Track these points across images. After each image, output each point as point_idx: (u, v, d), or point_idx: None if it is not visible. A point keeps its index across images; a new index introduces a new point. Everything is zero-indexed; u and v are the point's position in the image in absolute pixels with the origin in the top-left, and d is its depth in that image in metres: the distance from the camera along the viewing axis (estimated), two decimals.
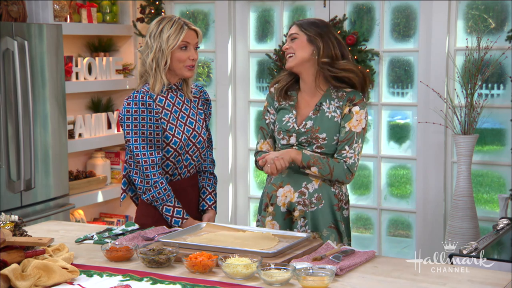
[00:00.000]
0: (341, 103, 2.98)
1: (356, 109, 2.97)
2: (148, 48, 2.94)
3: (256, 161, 3.08)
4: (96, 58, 5.09)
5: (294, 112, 3.03)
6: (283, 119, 3.04)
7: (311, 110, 3.01)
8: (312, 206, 2.96)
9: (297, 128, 2.99)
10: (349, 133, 2.95)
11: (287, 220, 3.01)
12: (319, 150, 2.97)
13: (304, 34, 2.96)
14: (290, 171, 3.00)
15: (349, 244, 3.04)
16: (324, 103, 3.00)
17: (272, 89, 3.13)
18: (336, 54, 2.96)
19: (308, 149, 2.98)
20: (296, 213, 2.98)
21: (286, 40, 3.08)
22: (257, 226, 3.11)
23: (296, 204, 2.97)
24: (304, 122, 2.99)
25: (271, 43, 5.08)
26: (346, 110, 2.98)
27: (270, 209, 3.04)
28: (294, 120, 3.01)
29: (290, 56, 2.99)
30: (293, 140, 3.00)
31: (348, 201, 3.08)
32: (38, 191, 4.32)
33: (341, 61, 2.97)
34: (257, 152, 3.14)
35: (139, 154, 2.89)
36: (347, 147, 2.95)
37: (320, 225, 2.97)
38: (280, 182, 3.02)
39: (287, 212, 3.00)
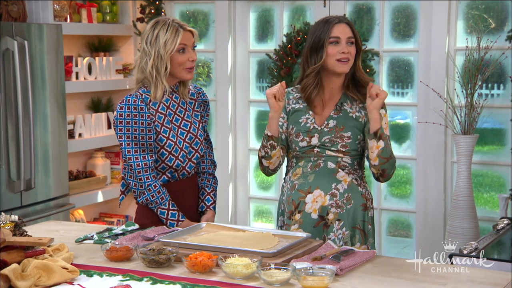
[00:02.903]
0: (365, 104, 2.91)
1: (383, 111, 2.92)
2: (146, 55, 2.91)
3: (259, 159, 2.99)
4: (96, 58, 5.09)
5: (310, 112, 2.96)
6: (300, 120, 2.96)
7: (331, 110, 2.94)
8: (344, 207, 2.88)
9: (319, 128, 2.92)
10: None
11: (319, 228, 2.89)
12: (343, 149, 2.91)
13: (356, 44, 2.93)
14: (317, 175, 2.91)
15: (373, 244, 3.00)
16: (345, 103, 2.96)
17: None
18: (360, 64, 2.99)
19: (333, 148, 2.91)
20: (331, 216, 2.87)
21: (328, 36, 2.89)
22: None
23: (330, 207, 2.87)
24: (326, 122, 2.92)
25: (271, 43, 5.08)
26: None
27: (297, 216, 2.91)
28: (313, 120, 2.94)
29: (348, 60, 2.90)
30: (315, 140, 2.92)
31: (372, 201, 3.02)
32: (38, 191, 4.32)
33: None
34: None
35: (132, 158, 2.89)
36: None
37: (350, 226, 2.91)
38: (307, 187, 2.90)
39: (318, 218, 2.89)
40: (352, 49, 2.91)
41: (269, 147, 2.93)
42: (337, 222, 2.87)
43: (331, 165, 2.91)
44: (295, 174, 2.96)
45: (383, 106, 2.92)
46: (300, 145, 2.94)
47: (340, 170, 2.91)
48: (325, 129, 2.92)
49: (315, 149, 2.93)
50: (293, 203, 2.93)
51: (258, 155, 3.02)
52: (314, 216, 2.89)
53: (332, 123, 2.92)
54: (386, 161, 2.87)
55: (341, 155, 2.92)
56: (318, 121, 2.94)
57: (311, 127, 2.93)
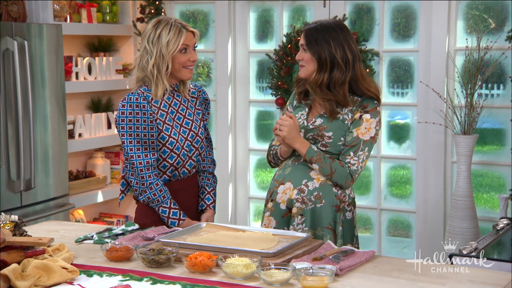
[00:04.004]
0: (353, 107, 2.96)
1: (366, 116, 2.94)
2: (147, 53, 2.91)
3: (268, 158, 3.17)
4: (96, 58, 5.09)
5: (306, 109, 3.03)
6: (296, 115, 3.04)
7: (323, 109, 2.99)
8: (310, 204, 2.95)
9: (306, 125, 2.99)
10: (356, 139, 2.94)
11: (286, 219, 2.99)
12: (323, 149, 2.96)
13: (308, 50, 2.94)
14: (293, 168, 2.99)
15: (342, 245, 3.01)
16: (338, 106, 2.98)
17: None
18: (334, 76, 2.91)
19: (314, 146, 2.97)
20: (294, 210, 2.95)
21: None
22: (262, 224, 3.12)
23: (295, 201, 2.95)
24: (313, 119, 2.98)
25: (271, 43, 5.08)
26: (357, 115, 2.95)
27: (270, 205, 3.03)
28: (305, 117, 3.01)
29: (302, 66, 2.98)
30: (301, 136, 3.00)
31: (352, 203, 3.04)
32: (38, 191, 4.32)
33: (336, 86, 2.92)
34: (270, 146, 3.17)
35: (134, 156, 2.89)
36: (351, 153, 2.94)
37: (317, 224, 2.96)
38: (282, 179, 3.01)
39: (286, 209, 2.99)
40: (305, 55, 2.96)
41: (279, 162, 3.13)
42: (299, 217, 2.95)
43: None
44: (280, 166, 3.10)
45: (368, 111, 2.96)
46: None
47: None
48: (310, 126, 2.98)
49: None
50: (269, 192, 3.07)
51: (268, 157, 3.18)
52: (283, 207, 2.99)
53: (318, 121, 2.98)
54: (330, 177, 2.95)
55: None
56: (308, 118, 3.02)
57: (301, 122, 3.01)
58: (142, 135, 2.88)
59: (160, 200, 2.91)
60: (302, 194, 2.95)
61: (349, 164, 2.94)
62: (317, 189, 2.95)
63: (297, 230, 2.92)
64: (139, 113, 2.88)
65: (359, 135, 2.94)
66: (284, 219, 2.99)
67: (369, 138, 2.96)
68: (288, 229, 2.95)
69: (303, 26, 3.04)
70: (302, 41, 2.98)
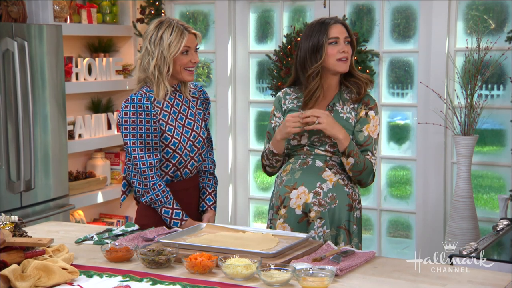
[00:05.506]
0: (355, 105, 2.99)
1: (372, 113, 2.98)
2: (148, 54, 2.91)
3: (262, 163, 3.11)
4: (96, 59, 5.09)
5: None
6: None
7: (323, 109, 2.97)
8: (326, 206, 2.93)
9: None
10: (368, 138, 2.96)
11: (302, 224, 2.94)
12: (331, 149, 2.95)
13: (351, 43, 2.99)
14: (304, 172, 2.96)
15: (358, 244, 3.02)
16: (337, 104, 3.00)
17: (280, 94, 3.10)
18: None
19: (321, 148, 2.96)
20: (312, 214, 2.92)
21: (327, 37, 2.94)
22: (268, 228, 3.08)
23: (312, 205, 2.92)
24: (316, 122, 2.94)
25: (271, 43, 5.08)
26: (362, 113, 2.97)
27: (282, 211, 2.98)
28: None
29: (346, 60, 2.97)
30: (304, 140, 2.98)
31: (360, 201, 3.06)
32: (38, 192, 4.32)
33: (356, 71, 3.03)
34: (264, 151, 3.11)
35: (137, 157, 2.89)
36: (369, 153, 2.96)
37: (332, 225, 2.94)
38: (293, 183, 2.97)
39: (302, 214, 2.95)
40: (349, 49, 2.99)
41: (275, 161, 3.06)
42: (318, 220, 2.93)
43: (318, 163, 2.97)
44: (285, 170, 3.04)
45: (372, 108, 2.99)
46: (291, 143, 3.02)
47: (327, 169, 2.96)
48: (314, 129, 2.92)
49: (305, 148, 3.00)
50: (279, 198, 3.01)
51: (262, 162, 3.12)
52: (298, 212, 2.96)
53: None
54: (359, 174, 2.95)
55: (329, 154, 2.98)
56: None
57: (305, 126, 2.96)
58: (146, 136, 2.88)
59: (163, 201, 2.92)
60: (318, 197, 2.93)
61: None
62: (331, 190, 2.94)
63: (317, 234, 2.90)
64: (143, 114, 2.88)
65: (370, 134, 2.97)
66: (300, 224, 2.95)
67: (377, 136, 3.01)
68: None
69: (331, 21, 2.95)
70: (345, 34, 2.97)
